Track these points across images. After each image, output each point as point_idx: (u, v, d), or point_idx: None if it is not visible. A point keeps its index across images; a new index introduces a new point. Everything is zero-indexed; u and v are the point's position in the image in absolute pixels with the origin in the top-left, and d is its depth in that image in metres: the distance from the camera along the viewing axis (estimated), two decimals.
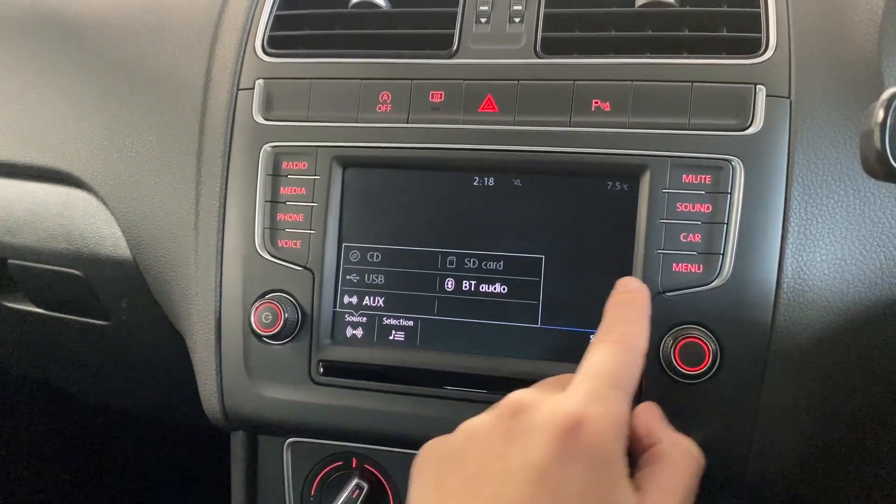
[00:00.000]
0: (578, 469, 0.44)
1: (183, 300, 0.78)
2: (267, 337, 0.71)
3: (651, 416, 0.55)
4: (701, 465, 0.51)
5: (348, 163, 0.72)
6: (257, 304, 0.71)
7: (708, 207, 0.65)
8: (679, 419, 0.64)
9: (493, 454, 0.47)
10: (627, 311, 0.58)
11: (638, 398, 0.65)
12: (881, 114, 0.41)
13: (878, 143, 0.41)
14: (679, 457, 0.51)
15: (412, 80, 0.72)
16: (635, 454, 0.52)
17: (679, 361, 0.63)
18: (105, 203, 0.83)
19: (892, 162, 0.41)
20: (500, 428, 0.48)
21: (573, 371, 0.66)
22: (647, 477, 0.48)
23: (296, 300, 0.71)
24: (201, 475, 1.42)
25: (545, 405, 0.48)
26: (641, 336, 0.56)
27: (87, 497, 1.39)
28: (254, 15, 0.80)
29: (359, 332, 0.72)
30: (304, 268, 0.72)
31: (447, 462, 0.49)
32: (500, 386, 0.68)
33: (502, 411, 0.49)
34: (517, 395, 0.50)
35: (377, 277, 0.71)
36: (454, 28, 0.74)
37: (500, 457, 0.46)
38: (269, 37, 0.78)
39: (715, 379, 0.63)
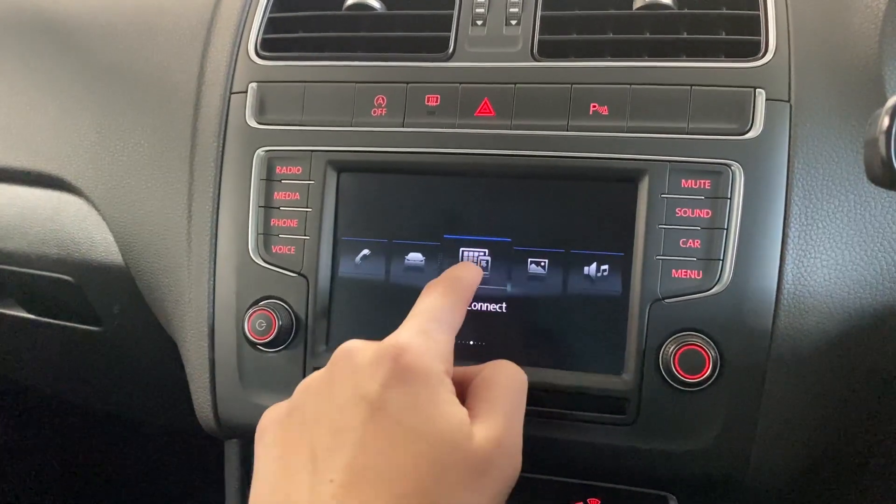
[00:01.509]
0: (403, 389, 0.48)
1: (175, 307, 0.77)
2: (261, 344, 0.70)
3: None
4: (523, 380, 0.56)
5: (343, 167, 0.72)
6: (251, 311, 0.70)
7: (707, 213, 0.64)
8: (678, 427, 0.64)
9: (327, 396, 0.50)
10: (460, 271, 0.63)
11: (638, 406, 0.64)
12: (886, 121, 0.41)
13: (883, 151, 0.40)
14: (501, 376, 0.55)
15: (407, 83, 0.71)
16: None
17: (679, 369, 0.62)
18: (96, 207, 0.82)
19: None
20: (332, 372, 0.51)
21: (574, 380, 0.66)
22: (473, 395, 0.53)
23: (290, 307, 0.70)
24: (197, 481, 1.41)
25: (373, 345, 0.51)
26: (468, 285, 0.62)
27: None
28: (247, 17, 0.78)
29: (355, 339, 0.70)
30: (299, 274, 0.71)
31: (287, 417, 0.52)
32: None
33: (334, 358, 0.53)
34: (348, 343, 0.53)
35: (373, 283, 0.70)
36: (450, 31, 0.73)
37: (333, 396, 0.49)
38: (263, 39, 0.77)
39: (715, 386, 0.63)
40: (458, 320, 0.58)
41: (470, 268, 0.64)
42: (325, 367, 0.53)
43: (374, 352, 0.50)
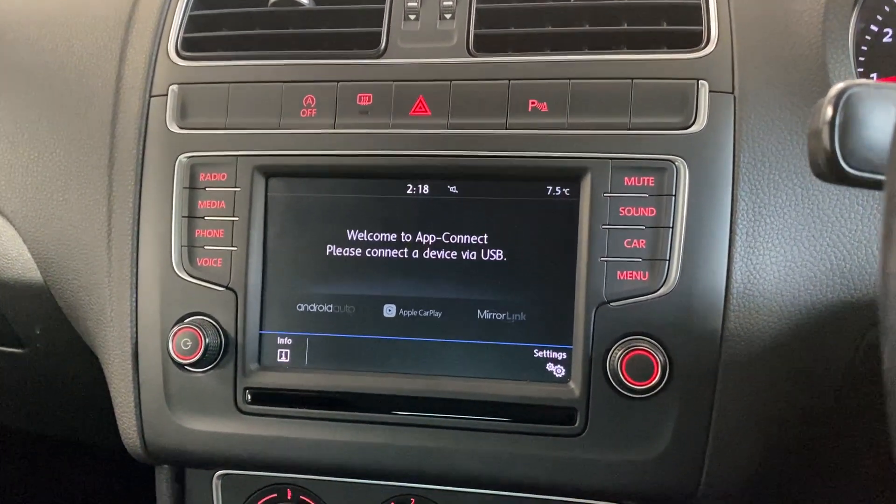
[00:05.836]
0: None
1: (98, 326, 0.72)
2: (187, 365, 0.65)
3: None
4: None
5: (271, 172, 0.67)
6: (176, 329, 0.65)
7: (652, 211, 0.61)
8: (629, 436, 0.61)
9: None
10: None
11: (586, 415, 0.61)
12: (829, 111, 0.38)
13: (826, 144, 0.37)
14: None
15: (338, 81, 0.68)
16: None
17: (627, 375, 0.59)
18: (10, 222, 0.76)
19: (843, 164, 0.37)
20: None
21: (519, 391, 0.62)
22: None
23: (218, 323, 0.66)
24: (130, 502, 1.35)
25: None
26: None
27: None
28: (166, 16, 0.74)
29: (288, 356, 0.66)
30: (227, 288, 0.66)
31: None
32: (440, 407, 0.64)
33: None
34: None
35: (306, 296, 0.66)
36: (381, 26, 0.69)
37: None
38: (184, 39, 0.72)
39: (665, 393, 0.60)
40: None
41: None
42: None
43: None
